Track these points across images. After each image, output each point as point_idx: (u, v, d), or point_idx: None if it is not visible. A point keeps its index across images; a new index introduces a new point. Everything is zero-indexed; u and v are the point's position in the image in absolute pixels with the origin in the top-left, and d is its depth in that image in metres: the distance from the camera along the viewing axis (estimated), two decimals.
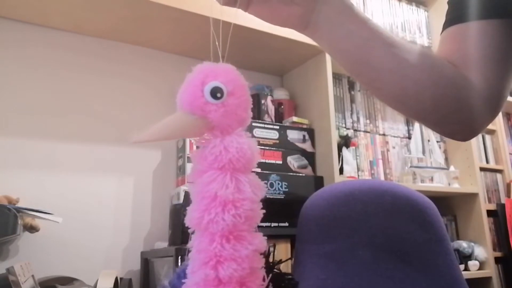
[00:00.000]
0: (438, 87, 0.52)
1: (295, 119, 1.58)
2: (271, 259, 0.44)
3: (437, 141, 1.99)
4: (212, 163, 0.36)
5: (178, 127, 0.36)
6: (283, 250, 1.24)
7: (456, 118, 0.54)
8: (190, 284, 0.37)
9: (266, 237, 0.39)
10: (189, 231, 0.38)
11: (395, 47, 0.51)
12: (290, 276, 0.43)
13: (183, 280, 0.38)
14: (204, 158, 0.37)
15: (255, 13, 0.51)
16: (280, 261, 0.44)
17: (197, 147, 0.40)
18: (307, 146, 1.54)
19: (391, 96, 0.55)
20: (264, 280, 0.38)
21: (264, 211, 0.38)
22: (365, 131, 1.81)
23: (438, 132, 0.59)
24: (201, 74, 0.38)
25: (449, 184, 1.89)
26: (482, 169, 2.03)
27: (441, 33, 0.59)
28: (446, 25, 0.57)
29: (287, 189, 1.34)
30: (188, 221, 0.37)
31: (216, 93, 0.36)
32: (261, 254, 0.38)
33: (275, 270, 0.43)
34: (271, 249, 0.43)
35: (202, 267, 0.35)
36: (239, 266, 0.35)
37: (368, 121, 1.84)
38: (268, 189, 1.31)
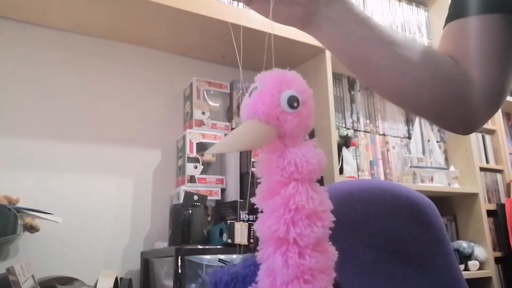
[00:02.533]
0: (437, 83, 0.53)
1: None
2: None
3: (437, 141, 1.99)
4: (291, 174, 0.35)
5: (256, 137, 0.35)
6: None
7: (457, 113, 0.55)
8: None
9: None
10: (259, 242, 0.36)
11: (395, 44, 0.52)
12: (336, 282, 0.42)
13: None
14: (281, 169, 0.36)
15: (258, 10, 0.52)
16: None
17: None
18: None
19: (391, 92, 0.56)
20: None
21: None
22: (365, 131, 1.82)
23: (438, 126, 0.60)
24: (276, 82, 0.36)
25: (449, 184, 1.89)
26: (482, 169, 2.03)
27: (443, 28, 0.59)
28: (448, 20, 0.58)
29: None
30: (264, 232, 0.35)
31: (293, 102, 0.36)
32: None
33: None
34: None
35: (294, 282, 0.33)
36: (329, 278, 0.35)
37: (368, 121, 1.84)
38: None
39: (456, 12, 0.56)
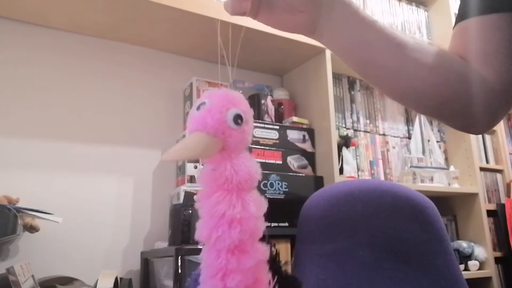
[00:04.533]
0: (447, 84, 0.53)
1: (295, 119, 1.58)
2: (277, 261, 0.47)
3: (437, 141, 1.99)
4: (221, 184, 0.40)
5: (203, 148, 0.39)
6: (283, 250, 1.24)
7: (468, 113, 0.54)
8: None
9: (269, 244, 0.43)
10: (199, 244, 0.42)
11: (403, 46, 0.52)
12: (295, 279, 0.46)
13: (199, 287, 0.42)
14: (214, 180, 0.40)
15: (264, 21, 0.53)
16: (286, 263, 0.48)
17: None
18: (307, 146, 1.54)
19: (400, 94, 0.56)
20: (270, 283, 0.42)
21: (265, 225, 0.42)
22: (365, 131, 1.82)
23: (451, 126, 0.60)
24: (225, 100, 0.41)
25: (449, 184, 1.89)
26: (482, 169, 2.03)
27: (453, 28, 0.59)
28: (458, 20, 0.58)
29: (287, 189, 1.34)
30: (198, 236, 0.41)
31: (237, 119, 0.40)
32: (267, 259, 0.42)
33: (279, 271, 0.45)
34: (277, 250, 0.47)
35: (211, 279, 0.39)
36: (244, 277, 0.39)
37: (368, 121, 1.84)
38: (268, 189, 1.31)
39: (466, 12, 0.56)
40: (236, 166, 0.40)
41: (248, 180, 0.40)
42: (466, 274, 1.53)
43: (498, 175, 2.19)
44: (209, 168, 0.41)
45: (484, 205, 1.87)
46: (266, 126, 1.46)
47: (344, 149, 1.63)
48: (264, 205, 0.42)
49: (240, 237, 0.39)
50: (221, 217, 0.39)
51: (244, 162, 0.41)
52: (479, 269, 1.79)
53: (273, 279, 0.42)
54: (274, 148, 1.44)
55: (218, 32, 0.53)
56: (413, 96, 0.54)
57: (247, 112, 0.42)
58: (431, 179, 1.92)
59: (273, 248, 0.45)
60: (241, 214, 0.39)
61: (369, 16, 0.52)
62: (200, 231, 0.40)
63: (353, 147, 1.72)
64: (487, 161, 2.20)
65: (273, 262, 0.45)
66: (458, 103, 0.53)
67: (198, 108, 0.41)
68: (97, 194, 1.34)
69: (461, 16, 0.57)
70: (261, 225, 0.41)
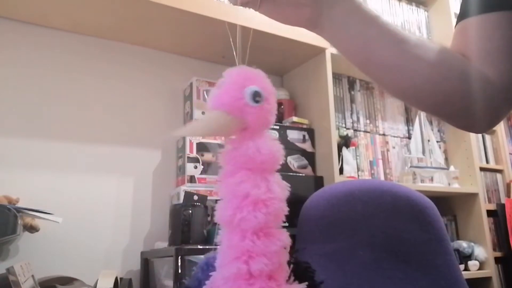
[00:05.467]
0: (449, 82, 0.53)
1: (295, 119, 1.58)
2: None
3: (437, 141, 1.99)
4: (244, 164, 0.38)
5: (219, 126, 0.38)
6: None
7: (470, 111, 0.54)
8: (219, 277, 0.39)
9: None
10: (218, 227, 0.40)
11: (405, 43, 0.52)
12: (308, 265, 0.45)
13: (209, 273, 0.41)
14: (235, 159, 0.39)
15: (266, 13, 0.52)
16: (297, 250, 0.47)
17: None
18: (307, 146, 1.54)
19: (401, 91, 0.56)
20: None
21: (288, 209, 0.41)
22: (365, 131, 1.82)
23: (452, 125, 0.60)
24: (241, 78, 0.40)
25: (449, 184, 1.89)
26: (482, 169, 2.03)
27: (454, 27, 0.59)
28: (459, 18, 0.58)
29: None
30: (219, 217, 0.39)
31: (256, 97, 0.39)
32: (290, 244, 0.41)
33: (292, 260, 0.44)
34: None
35: (234, 261, 0.37)
36: (269, 261, 0.37)
37: (368, 121, 1.84)
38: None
39: (467, 11, 0.56)
40: (259, 146, 0.39)
41: (271, 160, 0.39)
42: (466, 274, 1.53)
43: (498, 175, 2.19)
44: (231, 147, 0.40)
45: (484, 205, 1.87)
46: None
47: (344, 149, 1.63)
48: (286, 189, 0.41)
49: (266, 219, 0.37)
50: (244, 197, 0.37)
51: (267, 142, 0.39)
52: (479, 269, 1.79)
53: (288, 266, 0.41)
54: None
55: (229, 33, 0.52)
56: (414, 93, 0.54)
57: (267, 89, 0.40)
58: (431, 179, 1.92)
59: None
60: (266, 195, 0.38)
61: (372, 11, 0.52)
62: (222, 212, 0.38)
63: (353, 147, 1.72)
64: (487, 161, 2.20)
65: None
66: (460, 101, 0.53)
67: (218, 87, 0.40)
68: (97, 194, 1.34)
69: (463, 15, 0.57)
70: (285, 209, 0.40)
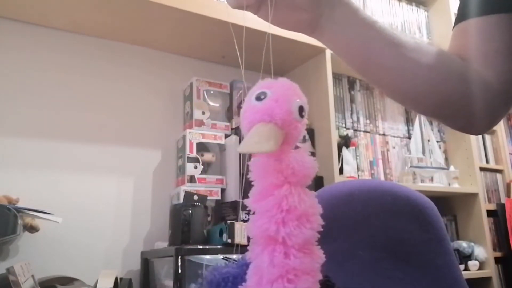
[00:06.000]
0: (446, 84, 0.53)
1: None
2: None
3: (437, 141, 1.99)
4: (288, 177, 0.37)
5: (277, 140, 0.37)
6: None
7: (467, 113, 0.55)
8: None
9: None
10: (250, 241, 0.38)
11: (403, 46, 0.52)
12: (328, 278, 0.43)
13: None
14: (281, 172, 0.37)
15: (265, 18, 0.52)
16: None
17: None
18: (307, 146, 1.54)
19: (399, 93, 0.56)
20: None
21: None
22: (365, 131, 1.82)
23: (450, 127, 0.60)
24: (290, 91, 0.39)
25: (449, 184, 1.89)
26: (482, 169, 2.03)
27: (452, 29, 0.59)
28: (457, 20, 0.58)
29: None
30: (255, 231, 0.37)
31: (302, 111, 0.39)
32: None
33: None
34: None
35: (278, 280, 0.35)
36: (313, 279, 0.36)
37: (368, 121, 1.84)
38: None
39: (465, 13, 0.56)
40: (303, 159, 0.38)
41: (311, 175, 0.38)
42: (466, 274, 1.53)
43: (498, 175, 2.19)
44: (271, 159, 0.38)
45: (484, 205, 1.87)
46: None
47: (344, 149, 1.63)
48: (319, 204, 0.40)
49: (312, 234, 0.36)
50: (290, 211, 0.36)
51: (307, 155, 0.39)
52: (479, 269, 1.79)
53: None
54: None
55: (233, 34, 0.51)
56: (412, 95, 0.55)
57: (306, 103, 0.40)
58: (431, 179, 1.92)
59: None
60: (310, 210, 0.37)
61: (369, 16, 0.53)
62: (260, 225, 0.36)
63: (353, 147, 1.72)
64: (487, 161, 2.20)
65: None
66: (457, 103, 0.54)
67: (258, 98, 0.38)
68: (97, 194, 1.34)
69: (461, 17, 0.57)
70: (321, 223, 0.38)
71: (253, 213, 0.38)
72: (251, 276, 0.37)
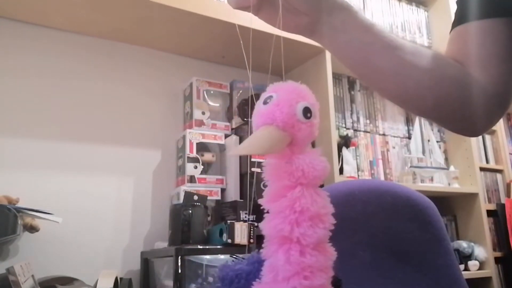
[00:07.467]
0: (441, 87, 0.54)
1: None
2: None
3: (437, 141, 1.99)
4: (298, 178, 0.38)
5: (271, 142, 0.38)
6: None
7: (462, 116, 0.55)
8: None
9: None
10: (264, 241, 0.39)
11: (399, 49, 0.53)
12: (336, 277, 0.45)
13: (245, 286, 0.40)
14: (292, 174, 0.38)
15: (265, 19, 0.54)
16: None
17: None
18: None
19: (394, 95, 0.57)
20: None
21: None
22: (365, 131, 1.81)
23: (447, 129, 0.61)
24: (293, 94, 0.41)
25: (449, 184, 1.89)
26: (482, 169, 2.03)
27: (449, 33, 0.60)
28: (454, 24, 0.59)
29: None
30: (269, 231, 0.38)
31: (307, 113, 0.40)
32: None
33: None
34: None
35: (294, 277, 0.36)
36: (327, 276, 0.37)
37: (368, 121, 1.84)
38: None
39: (462, 17, 0.57)
40: (313, 161, 0.39)
41: (322, 176, 0.39)
42: (466, 274, 1.53)
43: (498, 175, 2.19)
44: (282, 162, 0.40)
45: (484, 205, 1.87)
46: None
47: (344, 149, 1.63)
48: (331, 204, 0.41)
49: (325, 233, 0.38)
50: (301, 212, 0.37)
51: (318, 157, 0.40)
52: (479, 269, 1.79)
53: None
54: None
55: (239, 34, 0.52)
56: (408, 97, 0.56)
57: (315, 105, 0.42)
58: (431, 179, 1.92)
59: None
60: (323, 210, 0.38)
61: (368, 19, 0.53)
62: (275, 225, 0.37)
63: (353, 147, 1.72)
64: (487, 161, 2.20)
65: None
66: (453, 105, 0.54)
67: (265, 102, 0.40)
68: (97, 194, 1.34)
69: (457, 21, 0.58)
70: (333, 222, 0.40)
71: (267, 212, 0.39)
72: (266, 273, 0.38)
